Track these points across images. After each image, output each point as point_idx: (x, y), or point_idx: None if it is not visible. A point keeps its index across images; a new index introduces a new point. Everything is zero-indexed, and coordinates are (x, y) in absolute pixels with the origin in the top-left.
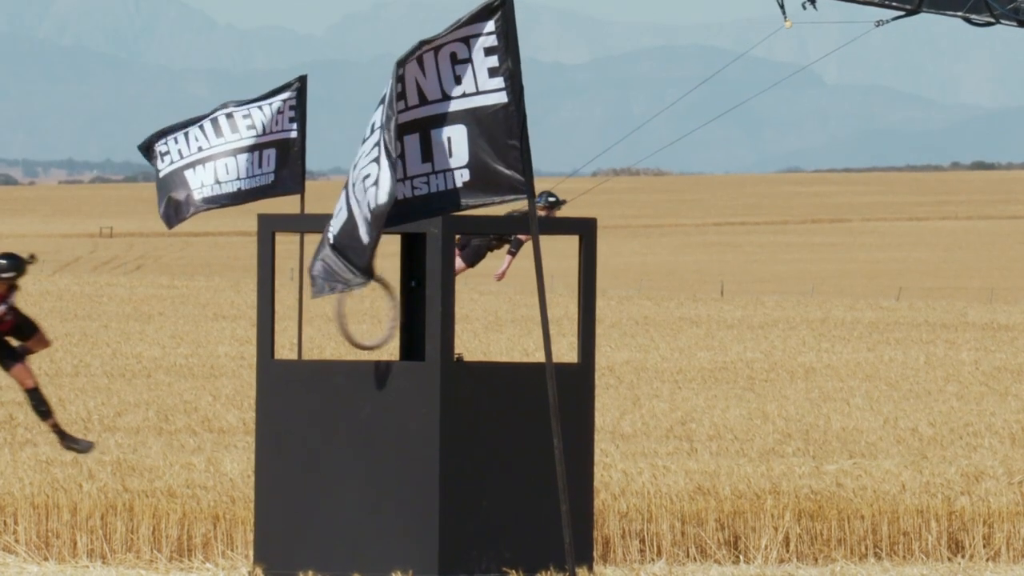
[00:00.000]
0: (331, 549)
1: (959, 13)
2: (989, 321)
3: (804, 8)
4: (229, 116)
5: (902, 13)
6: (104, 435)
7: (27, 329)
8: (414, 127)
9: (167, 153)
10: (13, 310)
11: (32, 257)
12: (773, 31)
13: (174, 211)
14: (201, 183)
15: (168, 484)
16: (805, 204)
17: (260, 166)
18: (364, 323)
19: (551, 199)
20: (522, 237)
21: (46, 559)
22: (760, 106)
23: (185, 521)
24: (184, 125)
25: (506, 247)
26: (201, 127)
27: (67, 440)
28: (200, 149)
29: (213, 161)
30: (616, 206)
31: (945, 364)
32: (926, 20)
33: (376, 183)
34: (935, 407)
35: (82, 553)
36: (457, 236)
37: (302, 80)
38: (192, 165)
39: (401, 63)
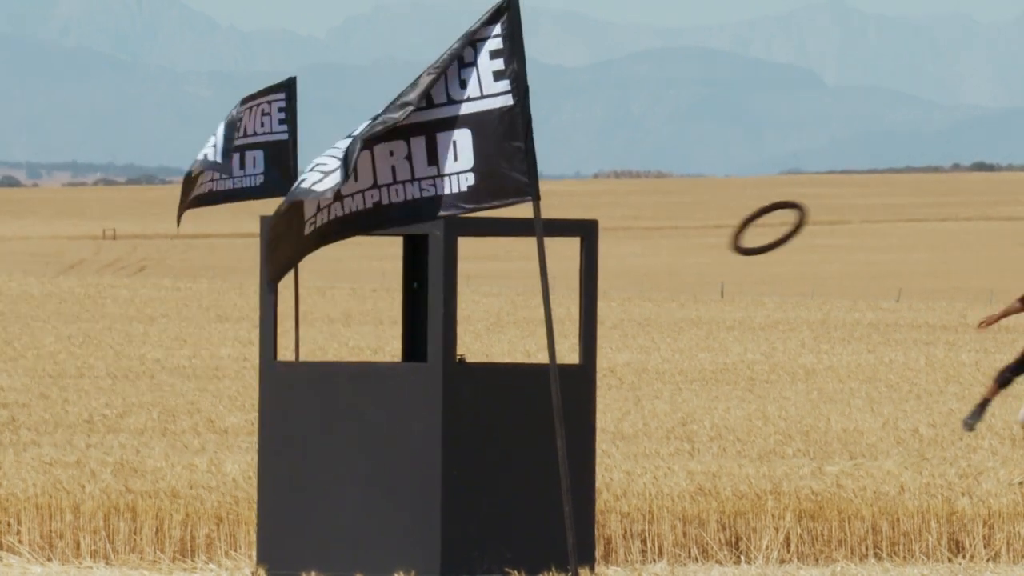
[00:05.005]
0: (333, 549)
1: None
2: None
3: None
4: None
5: None
6: (107, 436)
7: None
8: (421, 130)
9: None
10: None
11: None
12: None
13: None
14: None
15: (171, 485)
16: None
17: (243, 167)
18: (367, 324)
19: None
20: None
21: (49, 560)
22: (760, 108)
23: (188, 522)
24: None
25: None
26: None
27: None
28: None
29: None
30: (617, 208)
31: (945, 365)
32: (927, 20)
33: (325, 175)
34: (935, 408)
35: (85, 554)
36: None
37: (291, 82)
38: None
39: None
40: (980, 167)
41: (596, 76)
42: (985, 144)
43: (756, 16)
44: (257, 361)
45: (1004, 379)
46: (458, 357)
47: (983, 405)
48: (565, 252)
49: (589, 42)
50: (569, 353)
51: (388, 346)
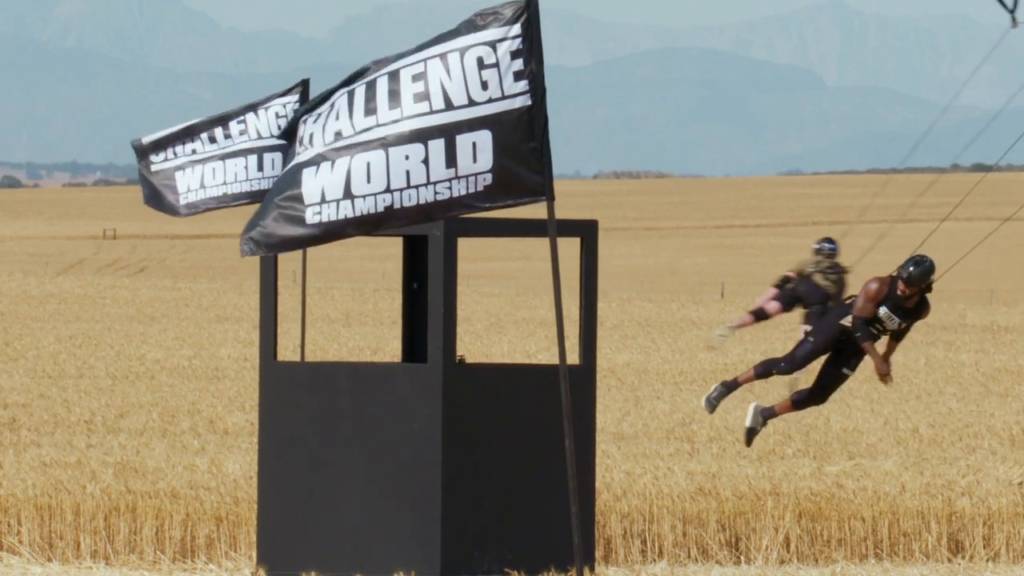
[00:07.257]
0: (333, 550)
1: None
2: (989, 323)
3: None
4: (223, 122)
5: None
6: (107, 437)
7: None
8: (440, 132)
9: (163, 151)
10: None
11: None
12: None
13: (165, 202)
14: (187, 187)
15: (171, 485)
16: (805, 206)
17: (261, 170)
18: (367, 324)
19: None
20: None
21: (50, 560)
22: (761, 108)
23: (188, 522)
24: (182, 135)
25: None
26: (196, 135)
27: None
28: (193, 152)
29: (202, 165)
30: (618, 208)
31: (945, 365)
32: (927, 21)
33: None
34: (935, 408)
35: (85, 554)
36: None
37: (305, 84)
38: (182, 167)
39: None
40: (980, 167)
41: (597, 77)
42: (985, 145)
43: (757, 17)
44: (257, 361)
45: (765, 372)
46: (458, 358)
47: (731, 386)
48: (565, 252)
49: (590, 43)
50: (569, 353)
51: (388, 346)
